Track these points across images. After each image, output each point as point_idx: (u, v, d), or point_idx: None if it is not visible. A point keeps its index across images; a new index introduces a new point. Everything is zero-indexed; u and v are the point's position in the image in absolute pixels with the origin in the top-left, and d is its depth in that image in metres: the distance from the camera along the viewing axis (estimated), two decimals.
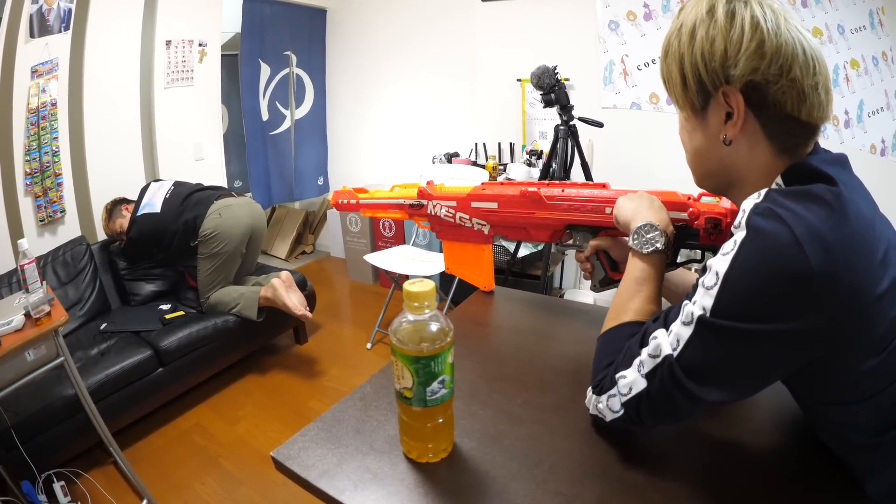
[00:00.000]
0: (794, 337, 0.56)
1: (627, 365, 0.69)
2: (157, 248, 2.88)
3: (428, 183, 1.24)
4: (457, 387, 0.89)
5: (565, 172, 2.73)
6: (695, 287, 0.63)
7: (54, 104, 2.77)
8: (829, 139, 2.79)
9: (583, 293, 3.68)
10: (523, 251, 3.30)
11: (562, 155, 2.71)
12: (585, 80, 3.34)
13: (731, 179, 0.70)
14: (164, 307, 2.85)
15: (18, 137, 2.66)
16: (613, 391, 0.71)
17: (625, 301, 0.80)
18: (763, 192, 0.61)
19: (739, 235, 0.59)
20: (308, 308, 2.82)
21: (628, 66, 3.19)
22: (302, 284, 3.08)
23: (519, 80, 3.56)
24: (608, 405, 0.72)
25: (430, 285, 0.65)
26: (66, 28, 2.80)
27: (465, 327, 1.17)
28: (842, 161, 0.65)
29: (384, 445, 0.78)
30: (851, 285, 0.54)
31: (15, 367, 1.69)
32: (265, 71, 4.12)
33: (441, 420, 0.71)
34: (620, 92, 3.25)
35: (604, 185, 1.00)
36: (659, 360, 0.64)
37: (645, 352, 0.67)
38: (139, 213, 2.84)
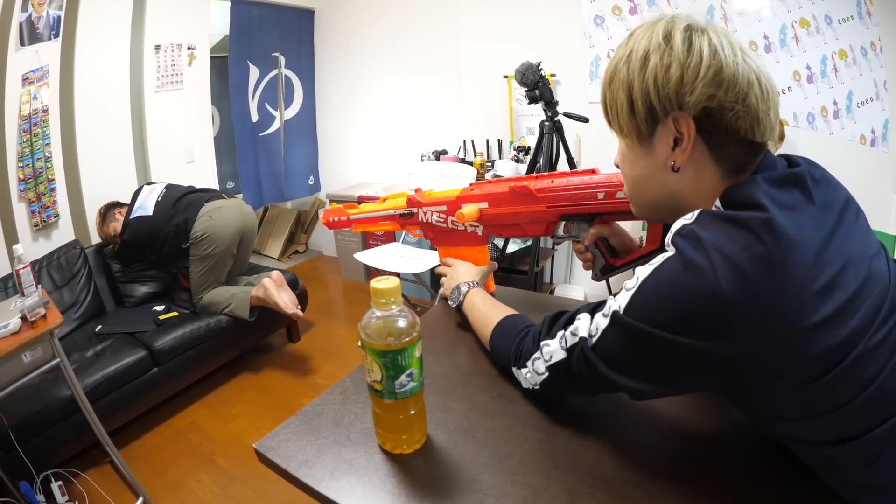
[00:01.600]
0: (701, 356, 0.58)
1: (553, 336, 0.75)
2: (150, 250, 2.91)
3: (416, 190, 1.24)
4: (433, 381, 0.93)
5: (551, 168, 2.76)
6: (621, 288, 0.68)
7: (46, 111, 2.80)
8: (818, 130, 2.81)
9: (573, 288, 3.71)
10: (512, 247, 3.33)
11: (547, 151, 2.74)
12: (572, 75, 3.37)
13: (678, 206, 0.69)
14: (158, 308, 2.88)
15: (11, 144, 2.69)
16: (537, 355, 0.77)
17: (484, 317, 1.00)
18: (696, 213, 0.63)
19: (667, 253, 0.62)
20: (300, 307, 2.85)
21: None
22: (293, 284, 3.11)
23: (506, 76, 3.58)
24: (534, 368, 0.78)
25: (394, 282, 0.69)
26: (56, 35, 2.82)
27: (445, 322, 1.19)
28: (794, 178, 0.62)
29: (360, 437, 0.81)
30: (773, 317, 0.54)
31: (11, 370, 1.72)
32: (254, 73, 4.15)
33: (413, 412, 0.75)
34: None
35: (593, 171, 0.98)
36: (576, 339, 0.70)
37: (569, 329, 0.72)
38: (132, 217, 2.87)
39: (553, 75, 3.34)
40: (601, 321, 0.67)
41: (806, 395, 0.58)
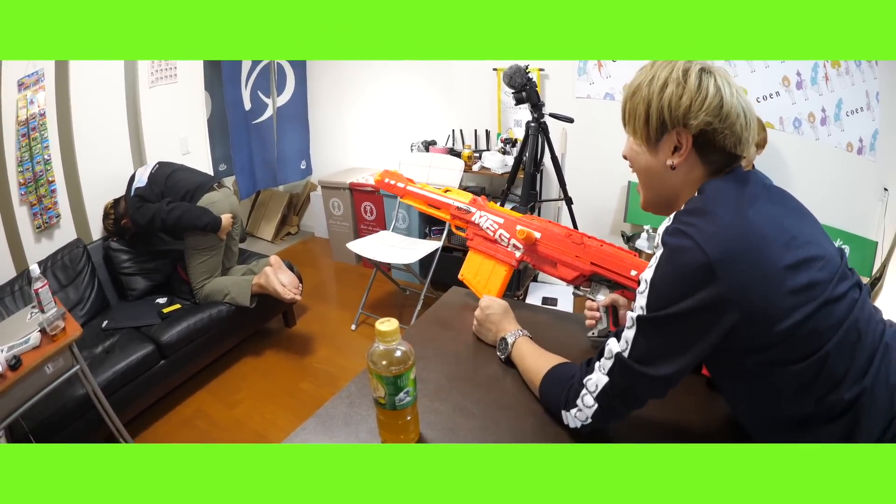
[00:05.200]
0: (708, 304, 0.73)
1: (592, 371, 0.88)
2: (154, 222, 2.90)
3: (482, 197, 1.40)
4: (423, 385, 1.09)
5: (535, 167, 2.87)
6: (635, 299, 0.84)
7: (43, 115, 2.85)
8: (804, 135, 2.86)
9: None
10: None
11: (531, 150, 2.86)
12: (560, 70, 3.43)
13: (674, 197, 0.90)
14: (161, 301, 3.00)
15: (10, 150, 2.74)
16: (584, 392, 0.88)
17: (534, 367, 1.05)
18: (672, 216, 0.84)
19: (659, 251, 0.80)
20: (300, 287, 2.98)
21: None
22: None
23: (495, 69, 3.62)
24: (583, 404, 0.88)
25: (395, 324, 0.85)
26: None
27: (435, 330, 1.34)
28: (747, 176, 0.85)
29: (367, 436, 0.96)
30: (750, 259, 0.73)
31: (36, 382, 1.84)
32: (246, 61, 4.18)
33: (409, 418, 0.91)
34: (594, 82, 3.34)
35: (634, 254, 1.17)
36: (612, 358, 0.84)
37: (602, 358, 0.86)
38: (132, 194, 2.96)
39: (542, 70, 3.44)
40: (629, 333, 0.82)
41: (793, 376, 0.76)
